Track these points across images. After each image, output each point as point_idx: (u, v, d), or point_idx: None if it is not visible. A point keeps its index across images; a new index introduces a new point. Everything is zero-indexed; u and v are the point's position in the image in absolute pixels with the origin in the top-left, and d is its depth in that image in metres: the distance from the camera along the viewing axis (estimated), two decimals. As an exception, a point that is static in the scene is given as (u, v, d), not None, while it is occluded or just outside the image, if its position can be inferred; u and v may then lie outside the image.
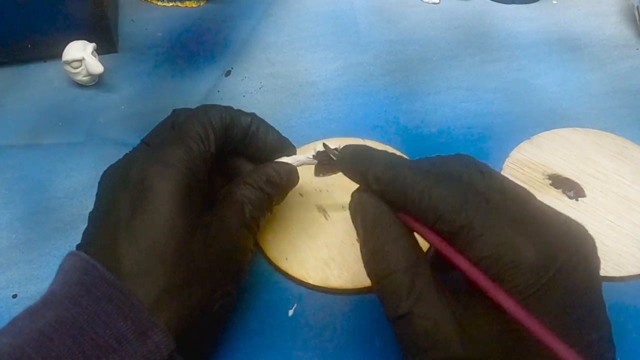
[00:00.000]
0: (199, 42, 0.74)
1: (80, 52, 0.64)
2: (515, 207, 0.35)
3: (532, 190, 0.37)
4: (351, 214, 0.39)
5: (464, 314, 0.33)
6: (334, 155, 0.44)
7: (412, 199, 0.35)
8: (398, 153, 0.55)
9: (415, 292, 0.34)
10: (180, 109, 0.46)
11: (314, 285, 0.47)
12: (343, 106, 0.64)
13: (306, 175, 0.54)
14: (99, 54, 0.67)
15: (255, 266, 0.49)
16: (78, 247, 0.38)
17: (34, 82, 0.68)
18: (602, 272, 0.46)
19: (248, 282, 0.47)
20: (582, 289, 0.33)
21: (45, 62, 0.71)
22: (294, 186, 0.47)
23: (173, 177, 0.38)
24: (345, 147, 0.41)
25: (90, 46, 0.65)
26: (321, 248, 0.49)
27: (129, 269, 0.35)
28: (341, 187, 0.53)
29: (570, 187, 0.53)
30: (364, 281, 0.46)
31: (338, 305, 0.46)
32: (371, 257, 0.37)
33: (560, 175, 0.54)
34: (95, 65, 0.64)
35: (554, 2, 0.81)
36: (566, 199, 0.52)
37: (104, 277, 0.34)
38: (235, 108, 0.46)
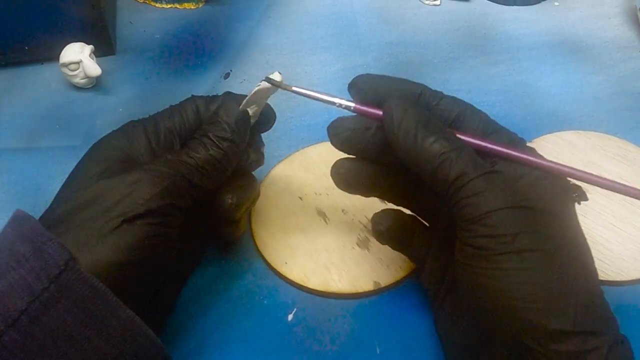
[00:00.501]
0: (197, 44, 0.74)
1: (77, 55, 0.64)
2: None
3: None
4: (392, 106, 0.37)
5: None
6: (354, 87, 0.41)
7: (473, 121, 0.40)
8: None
9: (468, 157, 0.36)
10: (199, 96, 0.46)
11: (313, 290, 0.47)
12: (343, 110, 0.64)
13: (306, 179, 0.54)
14: (96, 56, 0.67)
15: (254, 270, 0.49)
16: None
17: (31, 84, 0.69)
18: (605, 277, 0.47)
19: (247, 286, 0.48)
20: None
21: (42, 64, 0.71)
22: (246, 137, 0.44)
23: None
24: (361, 75, 0.41)
25: (88, 48, 0.65)
26: (321, 252, 0.49)
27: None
28: (341, 191, 0.53)
29: (572, 191, 0.53)
30: (365, 285, 0.46)
31: (338, 310, 0.46)
32: (427, 138, 0.36)
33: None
34: (92, 68, 0.64)
35: (556, 3, 0.81)
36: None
37: (23, 218, 0.35)
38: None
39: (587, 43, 0.74)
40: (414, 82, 0.41)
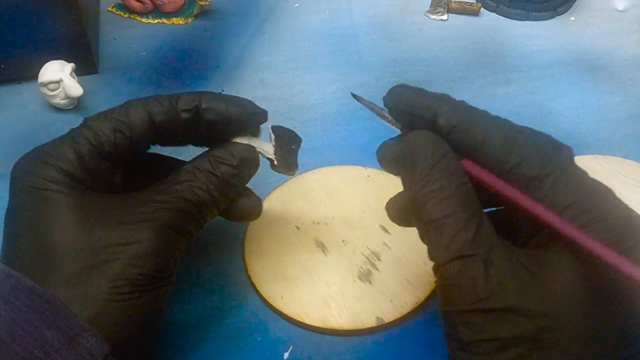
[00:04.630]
0: (186, 62, 0.75)
1: (57, 73, 0.65)
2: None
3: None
4: (403, 155, 0.38)
5: (533, 270, 0.34)
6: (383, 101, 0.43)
7: (493, 139, 0.36)
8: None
9: (482, 236, 0.35)
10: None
11: (311, 326, 0.48)
12: (343, 132, 0.65)
13: (303, 207, 0.55)
14: (78, 75, 0.68)
15: (247, 305, 0.50)
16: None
17: (7, 105, 0.69)
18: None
19: (239, 322, 0.48)
20: None
21: (19, 83, 0.72)
22: (252, 172, 0.46)
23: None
24: (399, 85, 0.41)
25: (69, 67, 0.66)
26: (319, 286, 0.50)
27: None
28: (341, 220, 0.54)
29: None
30: (367, 321, 0.47)
31: (338, 347, 0.47)
32: (430, 196, 0.36)
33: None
34: (74, 87, 0.65)
35: (572, 18, 0.83)
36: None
37: (23, 285, 0.35)
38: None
39: (605, 61, 0.75)
40: (440, 98, 0.40)
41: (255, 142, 0.46)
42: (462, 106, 0.39)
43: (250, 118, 0.45)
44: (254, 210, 0.47)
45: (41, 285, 0.35)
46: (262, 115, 0.46)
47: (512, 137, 0.36)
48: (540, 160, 0.36)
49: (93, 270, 0.37)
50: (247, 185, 0.46)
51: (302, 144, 0.48)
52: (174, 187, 0.42)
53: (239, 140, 0.45)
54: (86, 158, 0.41)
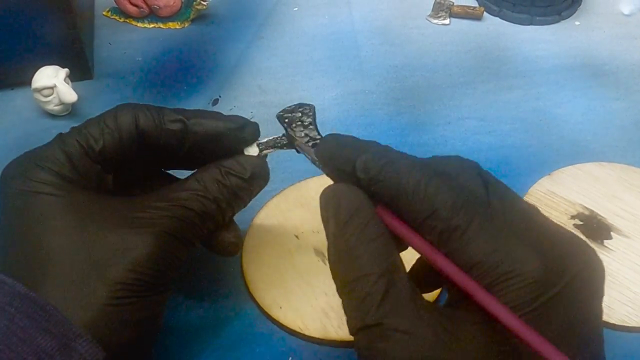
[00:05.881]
0: (183, 67, 0.76)
1: (51, 79, 0.65)
2: (519, 217, 0.35)
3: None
4: (322, 206, 0.38)
5: (446, 329, 0.33)
6: (314, 141, 0.44)
7: (405, 190, 0.35)
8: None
9: (389, 300, 0.34)
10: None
11: (310, 337, 0.48)
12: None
13: (302, 215, 0.55)
14: (72, 81, 0.68)
15: (246, 315, 0.50)
16: None
17: (0, 112, 0.70)
18: (630, 322, 0.48)
19: (237, 333, 0.48)
20: (590, 305, 0.34)
21: (12, 89, 0.72)
22: (262, 186, 0.47)
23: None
24: (328, 135, 0.42)
25: (63, 72, 0.66)
26: (319, 295, 0.50)
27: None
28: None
29: (594, 228, 0.54)
30: (367, 332, 0.47)
31: (338, 359, 0.47)
32: (341, 257, 0.36)
33: (583, 214, 0.55)
34: (68, 93, 0.65)
35: (577, 23, 0.83)
36: (590, 241, 0.53)
37: (17, 291, 0.35)
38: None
39: (611, 66, 0.75)
40: (360, 149, 0.39)
41: (264, 142, 0.47)
42: (380, 155, 0.37)
43: (240, 133, 0.46)
44: (231, 247, 0.47)
45: (35, 292, 0.35)
46: (253, 129, 0.47)
47: (424, 186, 0.35)
48: (452, 211, 0.34)
49: (90, 275, 0.37)
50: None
51: (315, 109, 0.48)
52: (179, 194, 0.42)
53: (246, 151, 0.46)
54: (76, 159, 0.42)
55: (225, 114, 0.46)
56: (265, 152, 0.47)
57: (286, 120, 0.47)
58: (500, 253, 0.33)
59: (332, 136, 0.41)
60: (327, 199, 0.38)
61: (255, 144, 0.47)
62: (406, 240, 0.36)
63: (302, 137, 0.46)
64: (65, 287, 0.37)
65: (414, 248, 0.36)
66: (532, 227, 0.35)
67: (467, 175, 0.37)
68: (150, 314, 0.40)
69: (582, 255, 0.35)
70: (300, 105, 0.48)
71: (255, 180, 0.45)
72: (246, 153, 0.46)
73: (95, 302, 0.37)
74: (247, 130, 0.46)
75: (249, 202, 0.46)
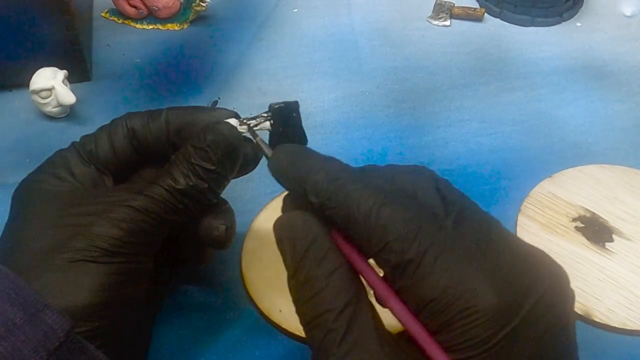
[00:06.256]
0: (182, 69, 0.76)
1: (49, 81, 0.65)
2: (477, 235, 0.34)
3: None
4: (276, 238, 0.37)
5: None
6: (265, 152, 0.42)
7: (356, 219, 0.34)
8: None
9: (350, 338, 0.33)
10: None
11: (310, 341, 0.48)
12: (343, 140, 0.66)
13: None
14: (70, 83, 0.68)
15: (245, 319, 0.50)
16: None
17: (-3, 113, 0.70)
18: (632, 325, 0.48)
19: (237, 336, 0.48)
20: (557, 330, 0.32)
21: (10, 91, 0.72)
22: (228, 154, 0.44)
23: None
24: (280, 147, 0.40)
25: (61, 74, 0.66)
26: (319, 299, 0.50)
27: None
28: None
29: (596, 231, 0.54)
30: (367, 335, 0.47)
31: (338, 362, 0.47)
32: (300, 293, 0.35)
33: (585, 217, 0.55)
34: (66, 95, 0.65)
35: (578, 24, 0.83)
36: (591, 243, 0.54)
37: (3, 275, 0.35)
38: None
39: (613, 68, 0.76)
40: (310, 170, 0.37)
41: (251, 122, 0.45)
42: (332, 177, 0.35)
43: (220, 118, 0.46)
44: (218, 236, 0.46)
45: (5, 265, 0.36)
46: (228, 110, 0.47)
47: (375, 215, 0.33)
48: (404, 243, 0.32)
49: (54, 248, 0.39)
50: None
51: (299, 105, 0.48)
52: (157, 177, 0.43)
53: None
54: (73, 163, 0.45)
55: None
56: (246, 125, 0.45)
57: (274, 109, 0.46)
58: (456, 289, 0.31)
59: (284, 151, 0.39)
60: (282, 232, 0.37)
61: (234, 119, 0.46)
62: (356, 268, 0.35)
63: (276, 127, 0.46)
64: (34, 257, 0.39)
65: (365, 279, 0.35)
66: (491, 248, 0.33)
67: (423, 190, 0.36)
68: (126, 283, 0.40)
69: (546, 274, 0.33)
70: (290, 102, 0.47)
71: (215, 147, 0.43)
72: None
73: (55, 265, 0.38)
74: (223, 111, 0.47)
75: (224, 173, 0.44)
